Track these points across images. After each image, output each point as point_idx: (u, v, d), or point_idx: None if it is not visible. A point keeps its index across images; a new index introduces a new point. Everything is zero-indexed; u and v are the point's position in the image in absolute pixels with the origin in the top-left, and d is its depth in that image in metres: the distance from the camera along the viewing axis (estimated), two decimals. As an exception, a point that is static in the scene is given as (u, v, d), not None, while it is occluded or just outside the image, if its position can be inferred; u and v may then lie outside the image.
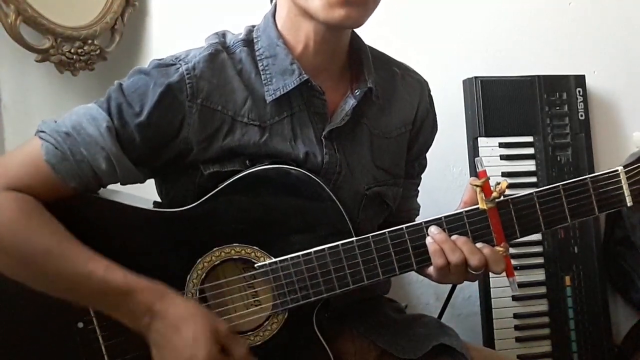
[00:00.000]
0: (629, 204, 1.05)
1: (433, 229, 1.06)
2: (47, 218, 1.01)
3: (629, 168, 1.05)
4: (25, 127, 1.71)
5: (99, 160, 1.03)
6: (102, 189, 1.10)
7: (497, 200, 1.04)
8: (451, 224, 1.06)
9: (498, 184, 1.04)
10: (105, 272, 0.98)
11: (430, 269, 1.07)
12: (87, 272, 0.98)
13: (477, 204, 1.06)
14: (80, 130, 1.02)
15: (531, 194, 1.06)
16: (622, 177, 1.05)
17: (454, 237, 1.05)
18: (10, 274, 1.00)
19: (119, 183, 1.08)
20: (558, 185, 1.06)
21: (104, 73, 1.73)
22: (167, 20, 1.85)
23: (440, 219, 1.06)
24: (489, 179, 1.04)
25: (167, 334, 0.99)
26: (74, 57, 1.66)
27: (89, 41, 1.69)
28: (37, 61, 1.61)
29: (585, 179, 1.06)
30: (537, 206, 1.05)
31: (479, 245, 1.05)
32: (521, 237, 1.07)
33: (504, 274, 1.09)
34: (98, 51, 1.71)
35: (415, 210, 1.39)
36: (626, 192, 1.05)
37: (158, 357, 1.01)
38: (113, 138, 1.03)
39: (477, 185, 1.04)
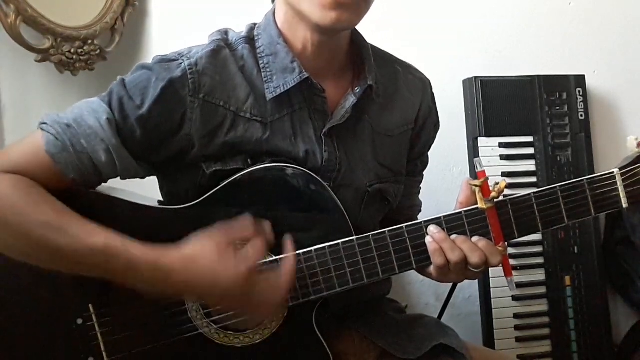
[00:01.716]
0: (624, 206, 1.07)
1: (432, 228, 1.06)
2: (44, 194, 1.00)
3: (625, 170, 1.07)
4: (25, 127, 1.71)
5: (98, 152, 1.03)
6: (103, 185, 1.10)
7: (495, 200, 1.05)
8: (450, 224, 1.06)
9: (497, 184, 1.04)
10: (106, 244, 0.96)
11: (431, 269, 1.08)
12: (87, 244, 0.96)
13: (473, 204, 1.07)
14: (81, 122, 1.03)
15: (529, 194, 1.07)
16: (618, 179, 1.07)
17: (453, 236, 1.05)
18: (11, 251, 0.99)
19: (118, 177, 1.08)
20: (555, 187, 1.07)
21: (104, 73, 1.73)
22: (167, 20, 1.85)
23: (439, 218, 1.07)
24: (487, 179, 1.04)
25: (189, 280, 0.97)
26: (74, 57, 1.66)
27: (89, 41, 1.69)
28: (37, 61, 1.61)
29: (582, 180, 1.07)
30: (535, 207, 1.07)
31: (475, 239, 1.05)
32: (519, 237, 1.08)
33: (503, 273, 1.10)
34: (98, 51, 1.71)
35: (418, 207, 1.40)
36: (622, 194, 1.07)
37: (201, 296, 1.01)
38: (113, 130, 1.03)
39: (476, 185, 1.04)
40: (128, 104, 1.04)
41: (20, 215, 0.97)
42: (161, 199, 1.19)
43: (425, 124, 1.28)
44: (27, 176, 1.01)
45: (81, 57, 1.68)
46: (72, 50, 1.65)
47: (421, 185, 1.40)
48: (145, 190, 1.16)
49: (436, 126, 1.32)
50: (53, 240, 0.96)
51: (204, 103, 1.06)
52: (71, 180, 1.03)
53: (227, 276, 0.96)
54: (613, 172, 1.07)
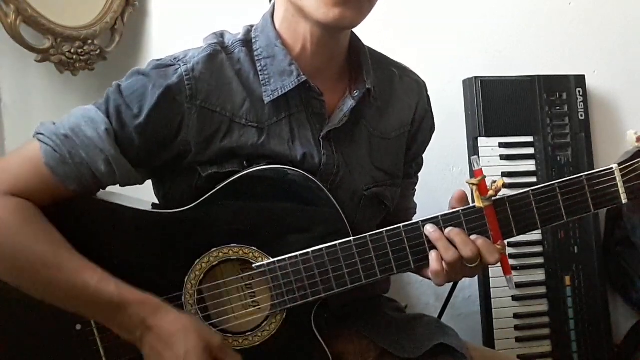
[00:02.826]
0: (624, 201, 1.06)
1: (429, 227, 1.06)
2: (44, 225, 1.01)
3: (624, 165, 1.06)
4: (25, 127, 1.70)
5: (98, 163, 1.03)
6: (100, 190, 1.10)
7: (493, 198, 1.04)
8: (448, 223, 1.06)
9: (494, 182, 1.04)
10: (99, 284, 0.98)
11: (428, 272, 1.08)
12: (80, 283, 0.98)
13: (466, 203, 1.07)
14: (79, 133, 1.02)
15: (527, 192, 1.06)
16: (617, 174, 1.06)
17: (448, 229, 1.05)
18: (6, 279, 1.01)
19: (118, 184, 1.08)
20: (554, 184, 1.06)
21: (104, 73, 1.73)
22: (167, 20, 1.85)
23: (437, 217, 1.06)
24: (485, 177, 1.04)
25: (160, 349, 0.99)
26: (74, 57, 1.66)
27: (89, 41, 1.69)
28: (37, 61, 1.61)
29: (581, 176, 1.06)
30: (533, 204, 1.06)
31: (473, 237, 1.05)
32: (517, 235, 1.07)
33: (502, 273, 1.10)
34: (98, 51, 1.71)
35: (413, 209, 1.40)
36: (621, 190, 1.06)
37: None
38: (112, 140, 1.03)
39: (473, 184, 1.04)
40: (126, 112, 1.04)
41: (19, 246, 0.98)
42: (156, 201, 1.19)
43: (421, 126, 1.28)
44: (26, 194, 1.01)
45: (81, 57, 1.68)
46: (72, 50, 1.65)
47: (421, 186, 1.40)
48: (140, 193, 1.16)
49: (432, 128, 1.32)
50: (47, 275, 0.98)
51: (200, 109, 1.06)
52: (71, 192, 1.04)
53: None
54: (612, 168, 1.06)
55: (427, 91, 1.30)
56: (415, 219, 1.12)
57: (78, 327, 1.06)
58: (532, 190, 1.06)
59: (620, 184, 1.06)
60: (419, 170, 1.37)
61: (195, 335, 0.99)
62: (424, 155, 1.35)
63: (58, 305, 1.01)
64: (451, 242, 1.04)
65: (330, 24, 1.03)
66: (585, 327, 1.78)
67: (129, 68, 1.10)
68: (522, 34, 1.94)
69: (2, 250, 0.98)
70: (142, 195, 1.16)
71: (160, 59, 1.09)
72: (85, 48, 1.68)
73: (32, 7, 1.55)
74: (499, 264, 1.08)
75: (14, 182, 1.01)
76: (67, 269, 0.98)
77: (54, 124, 1.05)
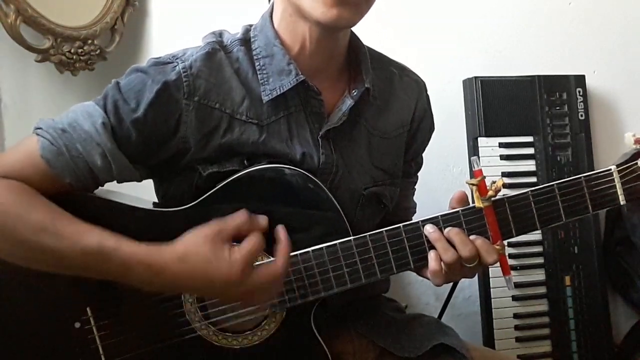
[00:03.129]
0: (622, 202, 1.07)
1: (429, 227, 1.06)
2: (37, 197, 1.00)
3: (622, 167, 1.07)
4: (25, 127, 1.68)
5: (94, 157, 1.03)
6: (99, 188, 1.10)
7: (493, 198, 1.05)
8: (448, 223, 1.06)
9: (494, 182, 1.04)
10: (99, 245, 0.96)
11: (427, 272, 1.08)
12: (82, 246, 0.96)
13: (466, 204, 1.07)
14: (76, 127, 1.03)
15: (526, 192, 1.06)
16: (616, 175, 1.06)
17: (447, 229, 1.05)
18: (7, 255, 1.00)
19: (115, 180, 1.08)
20: (553, 185, 1.06)
21: (104, 73, 1.73)
22: (167, 20, 1.85)
23: (437, 217, 1.07)
24: (484, 177, 1.04)
25: (183, 275, 0.97)
26: (74, 57, 1.66)
27: (89, 41, 1.69)
28: (37, 61, 1.61)
29: (580, 178, 1.07)
30: (533, 205, 1.06)
31: (472, 237, 1.05)
32: (516, 235, 1.08)
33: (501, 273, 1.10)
34: (98, 51, 1.71)
35: (412, 208, 1.40)
36: (619, 191, 1.06)
37: (198, 291, 1.01)
38: (109, 134, 1.03)
39: (472, 184, 1.04)
40: (123, 107, 1.04)
41: (15, 220, 0.97)
42: (156, 200, 1.19)
43: (420, 126, 1.28)
44: (22, 181, 1.01)
45: (81, 57, 1.68)
46: (72, 50, 1.66)
47: (420, 186, 1.40)
48: (140, 192, 1.16)
49: (431, 128, 1.32)
50: (48, 244, 0.96)
51: (199, 106, 1.06)
52: (67, 185, 1.03)
53: (220, 278, 0.96)
54: (610, 169, 1.07)
55: (426, 91, 1.30)
56: (415, 218, 1.12)
57: (77, 325, 1.06)
58: (532, 190, 1.06)
59: (618, 185, 1.06)
60: (419, 169, 1.37)
61: (200, 240, 0.98)
62: (423, 155, 1.36)
63: (61, 271, 1.00)
64: (450, 242, 1.05)
65: (329, 24, 1.03)
66: (585, 327, 1.78)
67: (128, 68, 1.10)
68: (522, 34, 1.94)
69: (2, 226, 0.97)
70: (142, 194, 1.16)
71: (159, 57, 1.09)
72: (85, 48, 1.68)
73: (32, 7, 1.55)
74: (498, 264, 1.08)
75: (10, 170, 1.01)
76: (67, 233, 0.97)
77: (53, 119, 1.05)
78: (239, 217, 1.02)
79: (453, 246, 1.04)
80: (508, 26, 1.94)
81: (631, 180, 1.06)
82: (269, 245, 1.05)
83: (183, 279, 0.97)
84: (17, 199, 0.98)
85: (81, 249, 0.96)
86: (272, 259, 1.05)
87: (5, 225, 0.97)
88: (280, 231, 1.04)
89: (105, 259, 0.96)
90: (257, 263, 1.05)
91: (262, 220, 1.04)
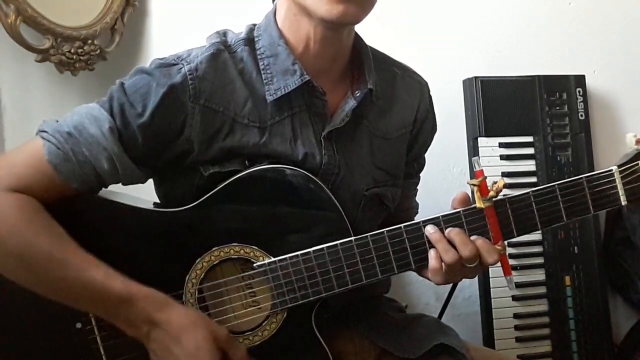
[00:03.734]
0: (623, 203, 1.06)
1: (429, 228, 1.06)
2: (48, 221, 1.01)
3: (623, 167, 1.06)
4: (25, 127, 1.71)
5: (101, 161, 1.03)
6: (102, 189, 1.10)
7: (494, 199, 1.05)
8: (449, 223, 1.06)
9: (495, 183, 1.04)
10: (105, 278, 0.98)
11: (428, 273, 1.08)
12: (87, 278, 0.98)
13: (468, 205, 1.07)
14: (82, 131, 1.02)
15: (527, 193, 1.06)
16: (617, 176, 1.06)
17: (448, 229, 1.05)
18: (11, 276, 1.00)
19: (120, 183, 1.08)
20: (554, 185, 1.06)
21: (104, 73, 1.73)
22: (167, 20, 1.85)
23: (437, 218, 1.06)
24: (485, 178, 1.04)
25: (168, 344, 0.99)
26: (74, 57, 1.66)
27: (89, 41, 1.69)
28: (37, 61, 1.61)
29: (581, 178, 1.06)
30: (534, 205, 1.06)
31: (473, 237, 1.05)
32: (517, 236, 1.07)
33: (502, 273, 1.10)
34: (98, 51, 1.71)
35: (414, 209, 1.40)
36: (620, 192, 1.06)
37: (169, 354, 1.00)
38: (115, 138, 1.03)
39: (474, 185, 1.04)
40: (129, 111, 1.04)
41: (24, 243, 0.98)
42: (156, 200, 1.19)
43: (423, 126, 1.28)
44: (29, 190, 1.01)
45: (81, 57, 1.68)
46: (72, 50, 1.65)
47: (421, 186, 1.40)
48: (140, 192, 1.16)
49: (433, 129, 1.32)
50: (53, 272, 0.98)
51: (204, 108, 1.06)
52: (74, 189, 1.03)
53: None
54: (612, 170, 1.06)
55: (429, 92, 1.30)
56: (416, 218, 1.12)
57: (78, 325, 1.06)
58: (533, 191, 1.06)
59: (619, 185, 1.06)
60: (421, 170, 1.37)
61: (204, 329, 0.99)
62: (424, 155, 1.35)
63: (63, 301, 1.01)
64: (451, 242, 1.04)
65: (334, 20, 1.03)
66: (585, 327, 1.78)
67: (129, 68, 1.11)
68: (522, 34, 1.94)
69: (8, 246, 0.98)
70: (143, 194, 1.16)
71: (164, 58, 1.09)
72: (85, 48, 1.68)
73: (32, 7, 1.55)
74: (499, 265, 1.08)
75: (16, 178, 1.01)
76: (72, 265, 0.98)
77: (57, 121, 1.05)
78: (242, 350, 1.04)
79: (454, 246, 1.04)
80: (508, 26, 1.94)
81: (632, 180, 1.06)
82: (268, 242, 1.05)
83: (172, 342, 0.99)
84: (28, 219, 0.99)
85: (84, 281, 0.98)
86: (272, 258, 1.05)
87: (13, 244, 0.98)
88: None
89: (105, 295, 0.99)
90: (257, 264, 1.05)
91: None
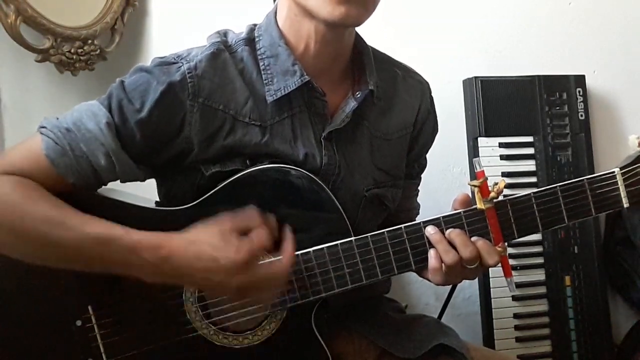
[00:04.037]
0: (625, 205, 1.06)
1: (430, 229, 1.06)
2: (42, 191, 1.00)
3: (626, 170, 1.06)
4: (25, 127, 1.71)
5: (98, 156, 1.03)
6: (102, 187, 1.10)
7: (495, 200, 1.04)
8: (449, 224, 1.06)
9: (496, 184, 1.04)
10: (107, 230, 0.97)
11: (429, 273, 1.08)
12: (89, 233, 0.96)
13: (469, 206, 1.07)
14: (81, 126, 1.03)
15: (529, 194, 1.06)
16: (619, 178, 1.06)
17: (448, 230, 1.05)
18: (13, 251, 1.00)
19: (118, 180, 1.09)
20: (555, 187, 1.06)
21: (104, 73, 1.73)
22: (167, 20, 1.85)
23: (438, 219, 1.06)
24: (486, 179, 1.04)
25: (189, 263, 0.97)
26: (74, 57, 1.66)
27: (89, 41, 1.69)
28: (37, 61, 1.61)
29: (582, 180, 1.06)
30: (535, 207, 1.06)
31: (473, 238, 1.05)
32: (518, 237, 1.07)
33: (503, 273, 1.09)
34: (98, 51, 1.71)
35: (415, 209, 1.40)
36: (622, 194, 1.06)
37: (202, 275, 0.98)
38: (113, 134, 1.03)
39: (475, 186, 1.04)
40: (127, 107, 1.04)
41: (21, 214, 0.97)
42: (158, 199, 1.19)
43: (424, 127, 1.28)
44: (26, 177, 1.01)
45: (81, 57, 1.68)
46: (72, 50, 1.65)
47: (421, 186, 1.40)
48: (142, 191, 1.16)
49: (434, 130, 1.32)
50: (54, 235, 0.96)
51: (203, 107, 1.06)
52: (71, 184, 1.04)
53: (226, 260, 0.96)
54: (614, 172, 1.06)
55: (430, 92, 1.30)
56: (417, 219, 1.12)
57: (78, 323, 1.06)
58: (534, 193, 1.06)
59: (622, 188, 1.06)
60: (422, 171, 1.37)
61: (208, 230, 0.99)
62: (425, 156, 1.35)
63: (67, 265, 1.00)
64: (451, 243, 1.04)
65: (336, 22, 1.02)
66: (585, 327, 1.78)
67: (129, 68, 1.10)
68: (522, 34, 1.94)
69: (6, 221, 0.97)
70: (144, 194, 1.16)
71: (164, 57, 1.09)
72: (85, 48, 1.68)
73: (32, 7, 1.55)
74: (499, 266, 1.08)
75: (12, 167, 1.01)
76: (73, 224, 0.97)
77: (57, 118, 1.05)
78: (248, 214, 1.02)
79: (454, 247, 1.04)
80: (508, 26, 1.94)
81: (635, 183, 1.05)
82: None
83: (190, 259, 0.97)
84: (22, 192, 0.99)
85: (88, 235, 0.96)
86: (272, 257, 1.05)
87: (10, 219, 0.97)
88: (287, 231, 1.04)
89: (112, 244, 0.96)
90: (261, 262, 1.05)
91: (271, 218, 1.04)
